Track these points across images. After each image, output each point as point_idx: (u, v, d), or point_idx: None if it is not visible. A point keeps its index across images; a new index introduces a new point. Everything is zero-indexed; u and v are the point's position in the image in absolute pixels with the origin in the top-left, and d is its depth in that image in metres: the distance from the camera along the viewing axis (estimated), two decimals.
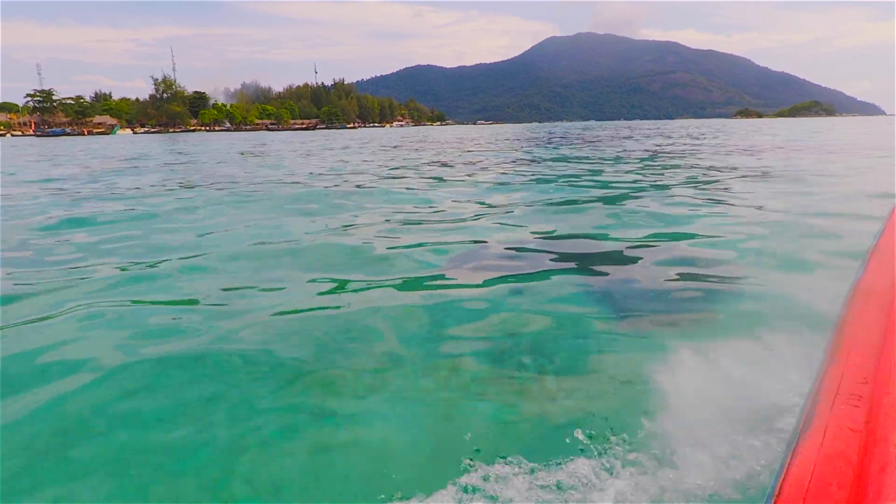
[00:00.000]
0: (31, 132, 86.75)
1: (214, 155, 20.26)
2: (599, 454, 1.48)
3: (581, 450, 1.52)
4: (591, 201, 6.57)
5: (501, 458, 1.49)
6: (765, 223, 4.91)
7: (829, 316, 1.36)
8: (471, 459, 1.50)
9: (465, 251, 4.17)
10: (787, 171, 9.84)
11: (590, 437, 1.58)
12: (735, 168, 10.53)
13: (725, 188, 7.56)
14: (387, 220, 5.57)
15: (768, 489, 0.72)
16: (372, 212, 6.18)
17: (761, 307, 2.76)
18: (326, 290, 3.32)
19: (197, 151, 23.88)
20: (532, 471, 1.43)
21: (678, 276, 3.40)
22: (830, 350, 1.08)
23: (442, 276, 3.52)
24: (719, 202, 6.24)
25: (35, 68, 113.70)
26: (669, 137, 27.88)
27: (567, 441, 1.57)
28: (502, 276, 3.45)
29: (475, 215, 5.75)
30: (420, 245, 4.38)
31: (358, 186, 8.88)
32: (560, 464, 1.45)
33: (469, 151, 18.82)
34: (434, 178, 10.01)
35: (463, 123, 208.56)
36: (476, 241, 4.47)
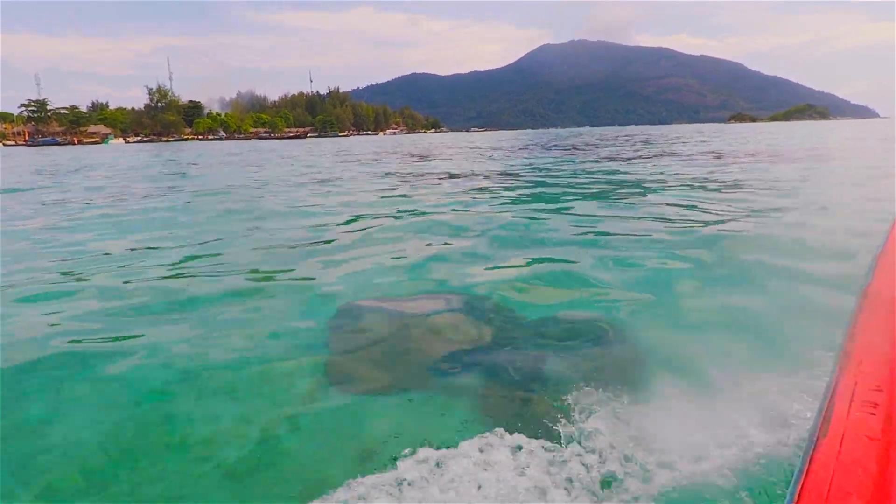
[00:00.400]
0: (24, 142, 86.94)
1: (168, 166, 19.78)
2: None
3: None
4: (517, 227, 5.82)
5: None
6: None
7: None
8: None
9: (312, 302, 3.38)
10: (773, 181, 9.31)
11: None
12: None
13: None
14: (257, 249, 4.85)
15: (786, 497, 0.71)
16: (249, 236, 5.47)
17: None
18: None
19: (159, 161, 23.44)
20: None
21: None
22: (842, 356, 1.08)
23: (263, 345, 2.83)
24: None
25: (34, 78, 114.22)
26: (651, 143, 27.51)
27: None
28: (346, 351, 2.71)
29: (362, 243, 4.99)
30: (262, 291, 3.63)
31: (269, 199, 8.40)
32: None
33: (434, 160, 18.43)
34: (362, 192, 9.41)
35: (457, 130, 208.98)
36: (338, 289, 3.64)
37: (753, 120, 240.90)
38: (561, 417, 1.84)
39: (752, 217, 5.72)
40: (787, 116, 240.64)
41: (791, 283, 3.36)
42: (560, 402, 1.96)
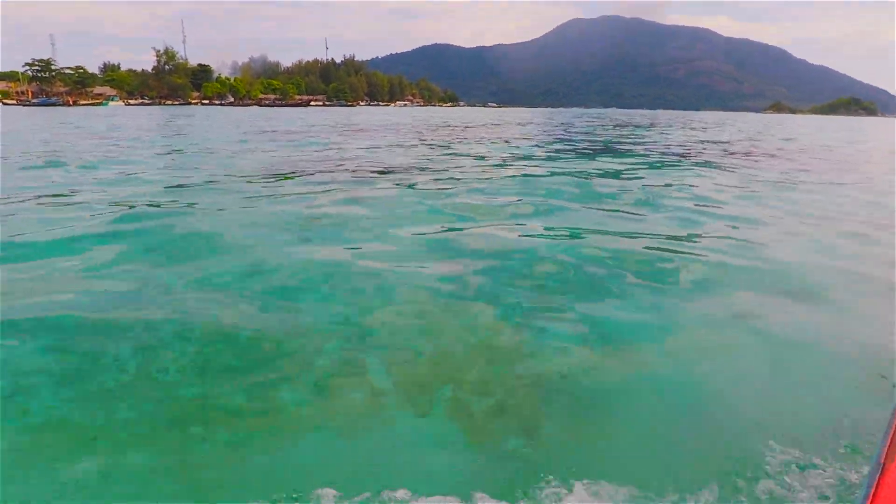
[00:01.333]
0: (22, 101, 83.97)
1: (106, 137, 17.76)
2: None
3: None
4: None
5: None
6: None
7: None
8: None
9: None
10: None
11: None
12: None
13: None
14: None
15: None
16: None
17: None
18: None
19: (117, 124, 22.12)
20: None
21: None
22: None
23: None
24: None
25: (49, 38, 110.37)
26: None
27: None
28: None
29: None
30: None
31: None
32: None
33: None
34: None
35: (474, 105, 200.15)
36: None
37: (793, 111, 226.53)
38: None
39: None
40: (829, 110, 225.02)
41: None
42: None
